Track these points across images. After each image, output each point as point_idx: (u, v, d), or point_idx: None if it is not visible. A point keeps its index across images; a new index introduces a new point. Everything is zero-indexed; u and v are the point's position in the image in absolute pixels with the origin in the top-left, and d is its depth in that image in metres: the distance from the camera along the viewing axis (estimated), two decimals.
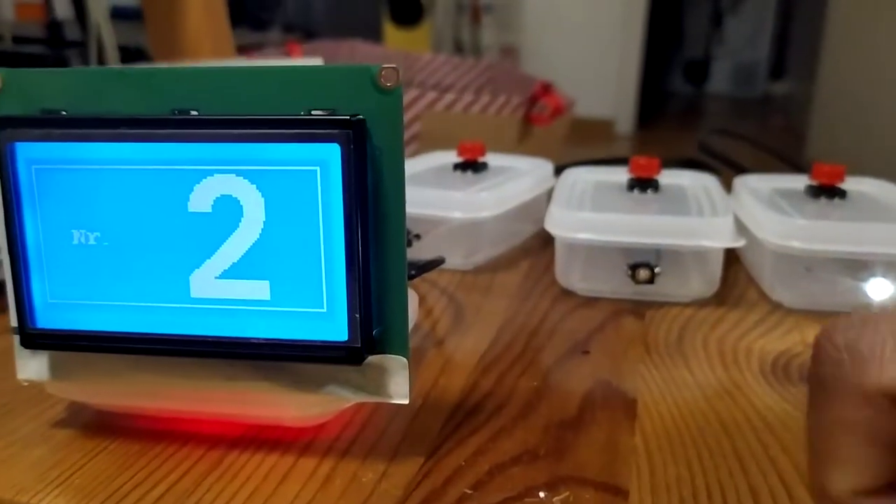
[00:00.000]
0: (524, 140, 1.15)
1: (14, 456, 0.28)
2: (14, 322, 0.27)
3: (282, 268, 0.25)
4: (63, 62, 1.02)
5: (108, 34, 1.07)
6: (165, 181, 0.25)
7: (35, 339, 0.27)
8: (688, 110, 4.61)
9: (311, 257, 0.25)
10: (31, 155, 0.26)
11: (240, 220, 0.25)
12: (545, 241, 0.51)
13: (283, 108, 0.25)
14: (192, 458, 0.28)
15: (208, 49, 0.72)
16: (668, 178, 0.49)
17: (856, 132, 2.35)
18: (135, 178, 0.25)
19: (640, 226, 0.40)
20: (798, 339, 0.38)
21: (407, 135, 1.06)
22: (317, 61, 0.54)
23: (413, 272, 0.36)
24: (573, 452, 0.28)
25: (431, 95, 1.10)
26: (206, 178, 0.25)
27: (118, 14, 1.20)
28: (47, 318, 0.27)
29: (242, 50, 1.34)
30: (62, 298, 0.27)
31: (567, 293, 0.43)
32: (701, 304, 0.42)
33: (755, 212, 0.42)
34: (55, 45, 1.13)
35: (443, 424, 0.30)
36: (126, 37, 1.19)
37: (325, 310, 0.25)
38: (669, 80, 4.89)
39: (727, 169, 0.61)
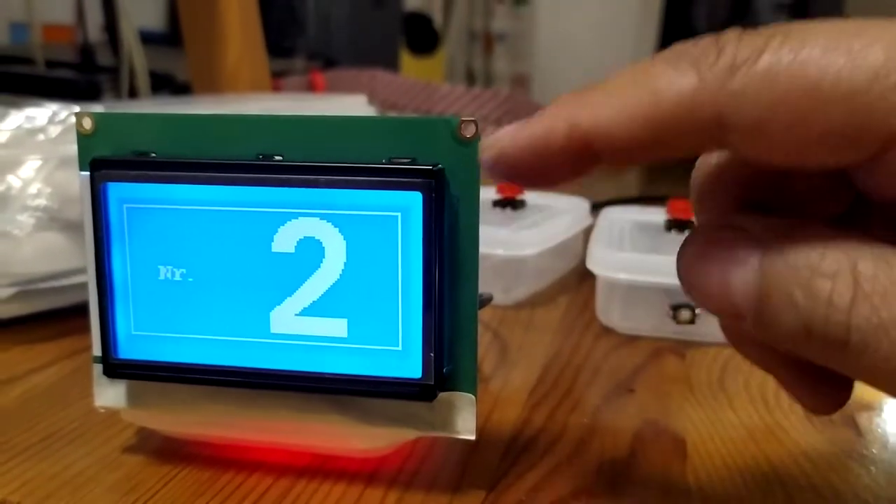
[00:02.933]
0: None
1: (92, 480, 0.29)
2: (97, 351, 0.29)
3: (360, 307, 0.26)
4: (95, 88, 1.03)
5: (139, 60, 1.09)
6: (251, 222, 0.27)
7: (117, 368, 0.28)
8: None
9: (389, 298, 0.26)
10: (122, 195, 0.27)
11: (321, 261, 0.26)
12: (581, 278, 0.53)
13: (364, 156, 0.27)
14: (262, 486, 0.29)
15: (247, 78, 0.73)
16: None
17: None
18: (221, 218, 0.27)
19: None
20: None
21: None
22: (360, 100, 0.56)
23: None
24: (629, 490, 0.29)
25: None
26: (290, 220, 0.26)
27: (144, 38, 1.22)
28: (130, 349, 0.28)
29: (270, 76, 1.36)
30: (145, 330, 0.28)
31: (607, 330, 0.44)
32: None
33: None
34: (87, 70, 1.15)
35: (500, 459, 0.31)
36: (153, 61, 1.21)
37: (400, 348, 0.26)
38: None
39: None
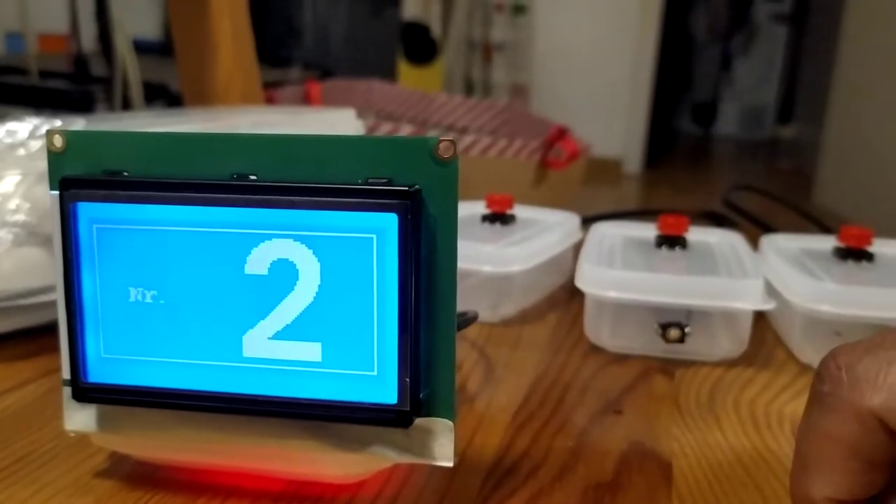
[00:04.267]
0: (540, 184, 1.16)
1: None
2: (66, 374, 0.28)
3: (334, 330, 0.26)
4: (88, 99, 1.03)
5: (133, 70, 1.09)
6: (223, 244, 0.26)
7: (86, 392, 0.27)
8: (695, 152, 4.63)
9: (364, 321, 0.26)
10: (92, 214, 0.27)
11: (295, 284, 0.26)
12: (571, 294, 0.52)
13: (340, 176, 0.26)
14: None
15: (238, 90, 0.73)
16: (695, 235, 0.49)
17: (865, 177, 2.36)
18: (194, 239, 0.26)
19: (670, 285, 0.41)
20: None
21: None
22: (349, 114, 0.55)
23: None
24: None
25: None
26: (263, 241, 0.26)
27: (140, 48, 1.22)
28: (100, 372, 0.27)
29: (265, 87, 1.36)
30: (116, 353, 0.27)
31: (596, 349, 0.44)
32: (729, 364, 0.42)
33: (784, 273, 0.43)
34: (81, 81, 1.15)
35: (481, 484, 0.30)
36: (149, 71, 1.21)
37: (375, 373, 0.26)
38: (677, 122, 4.92)
39: (751, 225, 0.61)
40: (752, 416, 0.37)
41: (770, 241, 0.49)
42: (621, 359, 0.43)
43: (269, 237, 0.26)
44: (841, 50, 2.74)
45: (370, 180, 0.26)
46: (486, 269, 0.45)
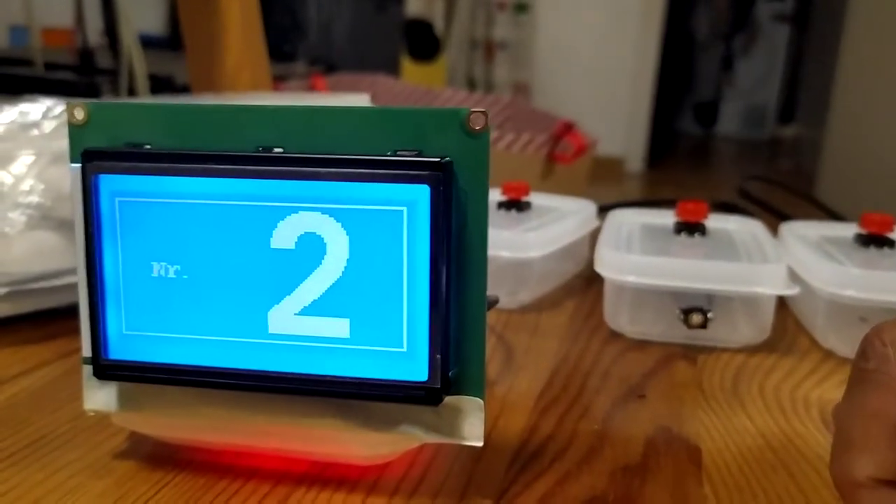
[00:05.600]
0: (547, 178, 1.15)
1: (80, 486, 0.27)
2: (87, 352, 0.27)
3: (363, 306, 0.25)
4: (94, 90, 1.02)
5: (139, 62, 1.08)
6: (249, 217, 0.25)
7: (107, 370, 0.27)
8: (697, 151, 4.63)
9: (393, 297, 0.25)
10: (115, 187, 0.26)
11: (322, 258, 0.25)
12: (588, 282, 0.51)
13: (368, 148, 0.25)
14: (258, 493, 0.27)
15: (247, 81, 0.72)
16: (714, 222, 0.49)
17: (866, 177, 2.35)
18: (218, 212, 0.26)
19: (692, 270, 0.40)
20: None
21: None
22: (363, 98, 0.55)
23: None
24: (643, 499, 0.28)
25: None
26: (290, 214, 0.25)
27: (145, 42, 1.21)
28: (121, 349, 0.27)
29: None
30: (137, 330, 0.27)
31: (616, 335, 0.43)
32: (751, 350, 0.42)
33: (806, 259, 0.42)
34: (86, 73, 1.14)
35: (507, 467, 0.30)
36: (154, 65, 1.20)
37: (404, 349, 0.25)
38: (679, 121, 4.91)
39: (767, 214, 0.61)
40: (778, 401, 0.36)
41: (790, 229, 0.49)
42: (641, 345, 0.42)
43: (297, 210, 0.25)
44: (843, 50, 2.73)
45: (399, 152, 0.25)
46: (505, 254, 0.45)
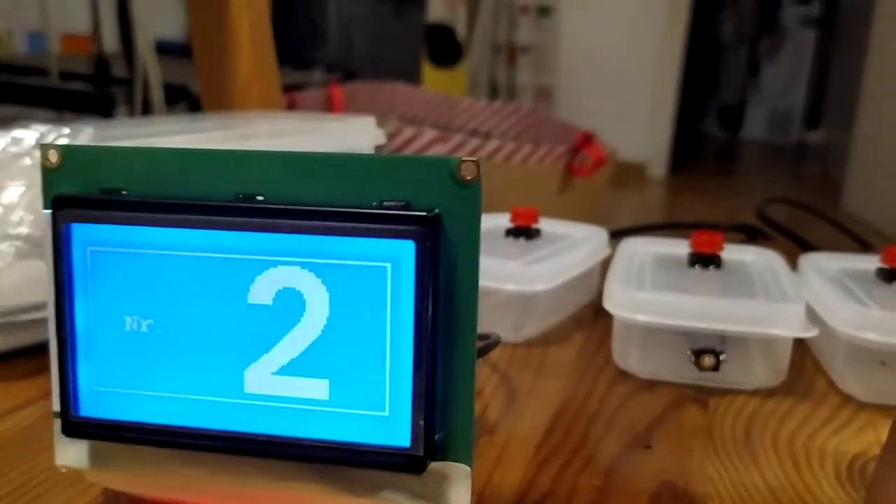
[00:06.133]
0: (565, 191, 1.13)
1: None
2: (56, 407, 0.26)
3: (343, 367, 0.24)
4: (108, 101, 1.02)
5: (154, 71, 1.08)
6: (226, 270, 0.24)
7: (77, 427, 0.26)
8: (722, 156, 4.58)
9: (376, 358, 0.23)
10: (87, 237, 0.25)
11: (302, 315, 0.24)
12: (599, 312, 0.50)
13: (354, 197, 0.24)
14: None
15: (257, 94, 0.71)
16: (730, 252, 0.47)
17: (894, 183, 2.31)
18: (194, 265, 0.24)
19: (704, 309, 0.39)
20: (873, 440, 0.36)
21: None
22: (368, 121, 0.53)
23: None
24: None
25: (473, 144, 1.09)
26: (268, 269, 0.24)
27: (162, 49, 1.21)
28: (92, 405, 0.25)
29: (287, 89, 1.34)
30: (109, 386, 0.25)
31: (624, 374, 0.41)
32: (767, 393, 0.40)
33: (826, 297, 0.41)
34: (101, 83, 1.14)
35: None
36: (172, 72, 1.19)
37: (386, 413, 0.24)
38: (704, 126, 4.86)
39: (784, 240, 0.59)
40: (792, 453, 0.34)
41: (809, 261, 0.47)
42: (651, 386, 0.40)
43: (275, 264, 0.24)
44: (870, 54, 2.68)
45: (385, 203, 0.24)
46: (509, 287, 0.43)
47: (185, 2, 0.71)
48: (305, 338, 0.24)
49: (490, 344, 0.37)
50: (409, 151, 1.06)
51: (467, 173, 0.23)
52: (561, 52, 3.41)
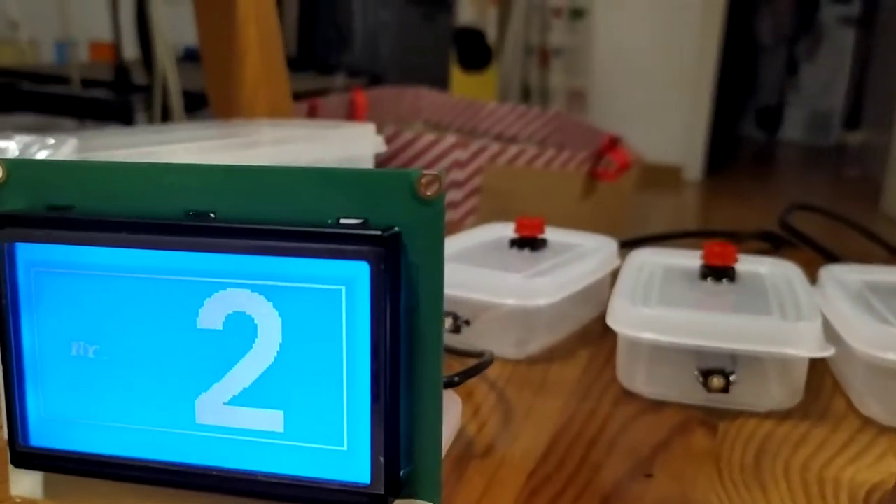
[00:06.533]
0: (588, 196, 1.11)
1: None
2: (6, 434, 0.25)
3: (298, 397, 0.22)
4: (127, 108, 1.02)
5: (173, 79, 1.07)
6: (173, 293, 0.22)
7: (26, 458, 0.24)
8: (759, 158, 4.51)
9: (332, 388, 0.22)
10: (32, 257, 0.23)
11: (253, 341, 0.22)
12: (606, 327, 0.47)
13: (311, 214, 0.22)
14: None
15: (265, 100, 0.70)
16: (745, 264, 0.44)
17: None
18: (140, 287, 0.23)
19: (714, 326, 0.36)
20: (895, 468, 0.33)
21: (467, 189, 1.03)
22: (368, 129, 0.52)
23: (457, 378, 0.32)
24: None
25: (494, 148, 1.08)
26: (217, 291, 0.22)
27: (192, 56, 1.20)
28: (42, 435, 0.24)
29: (309, 95, 1.33)
30: (58, 415, 0.24)
31: (629, 395, 0.39)
32: (781, 415, 0.37)
33: (846, 313, 0.38)
34: (121, 90, 1.14)
35: None
36: (194, 80, 1.19)
37: (345, 448, 0.22)
38: (741, 127, 4.79)
39: (809, 249, 0.56)
40: (804, 482, 0.32)
41: (830, 273, 0.44)
42: (657, 407, 0.38)
43: (224, 286, 0.22)
44: None
45: (342, 221, 0.22)
46: (510, 302, 0.41)
47: (193, 7, 0.71)
48: (258, 366, 0.22)
49: (484, 363, 0.35)
50: (428, 156, 1.04)
51: (428, 188, 0.21)
52: (595, 53, 3.38)
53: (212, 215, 0.23)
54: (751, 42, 4.45)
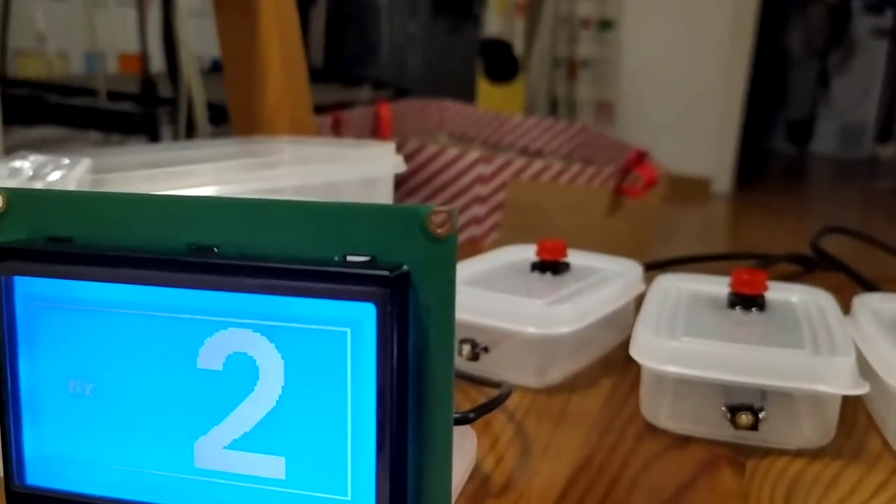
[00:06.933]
0: (614, 213, 1.09)
1: None
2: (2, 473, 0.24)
3: (300, 443, 0.21)
4: (152, 121, 1.02)
5: (198, 92, 1.07)
6: (173, 331, 0.22)
7: (21, 498, 0.23)
8: (790, 171, 4.45)
9: (336, 435, 0.21)
10: (30, 291, 0.23)
11: (255, 384, 0.21)
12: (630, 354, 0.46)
13: (317, 249, 0.21)
14: None
15: (286, 118, 0.69)
16: (775, 292, 0.43)
17: None
18: (139, 324, 0.22)
19: (742, 360, 0.35)
20: None
21: (491, 204, 1.02)
22: (387, 149, 0.51)
23: (472, 415, 0.31)
24: None
25: (519, 163, 1.06)
26: (218, 331, 0.21)
27: (219, 68, 1.21)
28: (38, 474, 0.23)
29: (335, 107, 1.33)
30: (54, 454, 0.23)
31: (653, 429, 0.38)
32: (812, 454, 0.36)
33: (881, 347, 0.36)
34: (147, 103, 1.14)
35: None
36: (223, 93, 1.19)
37: (348, 497, 0.21)
38: (771, 140, 4.74)
39: (842, 274, 0.54)
40: None
41: (865, 303, 0.42)
42: (682, 442, 0.37)
43: (225, 325, 0.21)
44: None
45: (349, 258, 0.21)
46: (531, 329, 0.40)
47: (216, 24, 0.70)
48: (259, 409, 0.21)
49: (501, 397, 0.34)
50: (452, 171, 1.03)
51: (439, 226, 0.20)
52: (623, 65, 3.36)
53: (215, 249, 0.22)
54: (781, 54, 4.40)
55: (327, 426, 0.21)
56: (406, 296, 0.20)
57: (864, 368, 0.36)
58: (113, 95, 1.16)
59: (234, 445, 0.21)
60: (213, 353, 0.21)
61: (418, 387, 0.21)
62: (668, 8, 3.26)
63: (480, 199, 1.03)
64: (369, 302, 0.20)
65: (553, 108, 3.43)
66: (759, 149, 4.31)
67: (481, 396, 0.40)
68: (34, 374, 0.23)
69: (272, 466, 0.21)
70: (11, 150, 0.46)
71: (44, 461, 0.23)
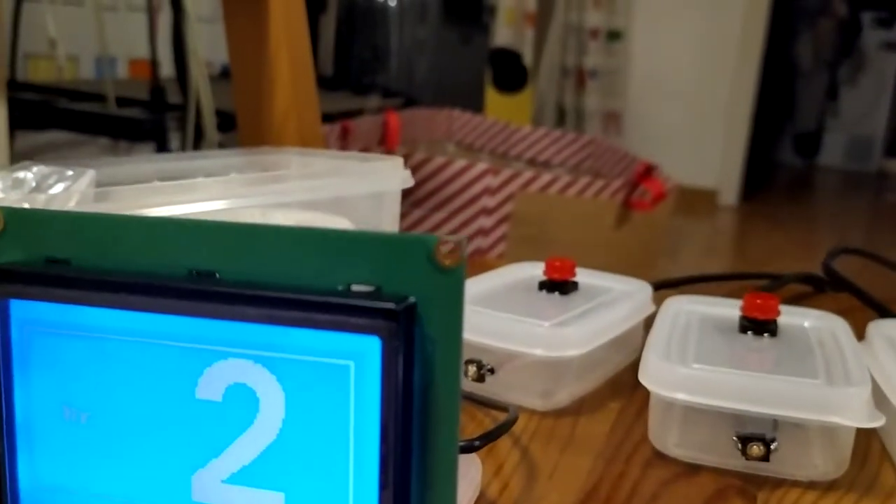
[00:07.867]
0: (622, 226, 1.09)
1: None
2: None
3: (301, 479, 0.20)
4: (160, 127, 1.01)
5: (206, 99, 1.07)
6: (172, 360, 0.21)
7: None
8: (796, 184, 4.44)
9: (338, 471, 0.20)
10: (26, 315, 0.22)
11: (255, 416, 0.20)
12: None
13: (321, 277, 0.21)
14: None
15: (294, 130, 0.69)
16: (787, 316, 0.42)
17: None
18: (137, 351, 0.21)
19: (753, 389, 0.34)
20: None
21: (497, 216, 1.01)
22: (396, 163, 0.50)
23: (477, 443, 0.31)
24: None
25: (527, 175, 1.06)
26: (218, 360, 0.21)
27: (228, 74, 1.20)
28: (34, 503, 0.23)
29: (344, 115, 1.33)
30: (49, 483, 0.22)
31: (661, 457, 0.37)
32: (825, 486, 0.35)
33: (894, 375, 0.35)
34: (156, 109, 1.14)
35: None
36: (232, 99, 1.19)
37: None
38: (779, 152, 4.72)
39: (855, 298, 0.53)
40: None
41: (879, 329, 0.41)
42: (691, 471, 0.36)
43: (225, 356, 0.20)
44: None
45: (353, 287, 0.20)
46: (538, 352, 0.39)
47: (225, 30, 0.70)
48: (259, 443, 0.20)
49: (506, 423, 0.34)
50: (459, 182, 1.02)
51: (447, 256, 0.20)
52: (631, 75, 3.36)
53: (216, 275, 0.21)
54: (790, 66, 4.39)
55: (328, 461, 0.20)
56: (412, 329, 0.19)
57: (879, 398, 0.35)
58: (122, 101, 1.15)
59: (233, 479, 0.21)
60: (212, 384, 0.21)
61: (423, 421, 0.20)
62: (676, 19, 3.25)
63: (487, 211, 1.02)
64: (374, 335, 0.19)
65: (561, 118, 3.43)
66: (767, 161, 4.30)
67: (486, 418, 0.40)
68: (29, 401, 0.22)
69: (271, 502, 0.21)
70: (20, 155, 0.46)
71: (39, 491, 0.22)
